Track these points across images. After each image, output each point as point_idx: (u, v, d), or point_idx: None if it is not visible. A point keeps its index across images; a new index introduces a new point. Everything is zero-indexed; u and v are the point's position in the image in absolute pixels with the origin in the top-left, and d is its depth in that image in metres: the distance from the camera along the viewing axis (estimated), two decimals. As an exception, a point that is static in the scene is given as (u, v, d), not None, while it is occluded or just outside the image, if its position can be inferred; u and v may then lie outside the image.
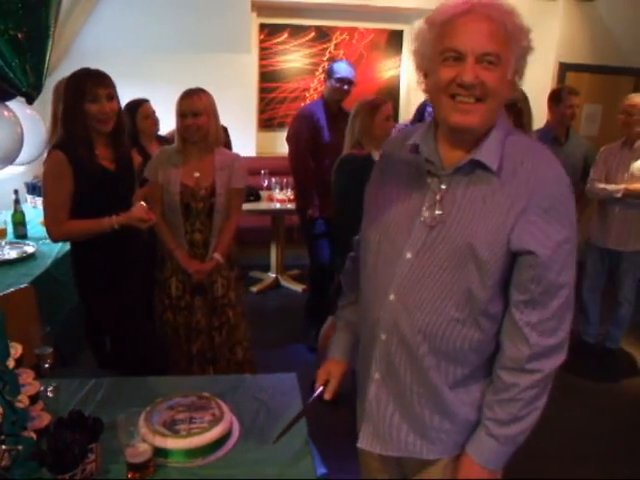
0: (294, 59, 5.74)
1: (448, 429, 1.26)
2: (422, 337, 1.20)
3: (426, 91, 1.19)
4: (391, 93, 5.88)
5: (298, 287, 4.79)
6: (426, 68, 1.17)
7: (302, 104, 5.18)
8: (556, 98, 3.71)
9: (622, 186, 3.47)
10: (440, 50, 1.10)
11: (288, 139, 3.81)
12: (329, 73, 3.70)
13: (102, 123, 2.23)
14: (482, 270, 1.13)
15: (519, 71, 1.14)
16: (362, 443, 1.33)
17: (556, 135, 3.69)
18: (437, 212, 1.16)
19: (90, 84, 2.19)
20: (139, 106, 3.30)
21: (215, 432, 1.42)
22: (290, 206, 4.37)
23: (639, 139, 3.46)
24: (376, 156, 2.74)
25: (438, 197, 1.17)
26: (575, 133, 3.86)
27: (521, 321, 1.15)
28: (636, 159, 3.46)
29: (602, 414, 3.24)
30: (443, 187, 1.17)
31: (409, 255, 1.19)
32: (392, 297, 1.21)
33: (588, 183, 3.63)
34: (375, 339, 1.27)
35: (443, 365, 1.22)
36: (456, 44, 1.08)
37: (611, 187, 3.52)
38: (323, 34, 5.71)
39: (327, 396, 1.43)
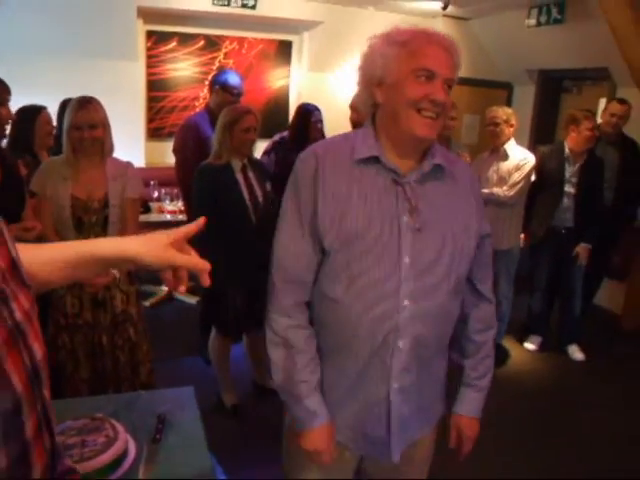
0: (183, 67, 5.65)
1: (440, 403, 1.50)
2: (434, 334, 1.33)
3: (382, 102, 1.28)
4: (280, 102, 5.97)
5: (192, 299, 4.68)
6: (390, 81, 1.24)
7: (192, 113, 5.11)
8: None
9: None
10: (413, 68, 1.20)
11: (174, 151, 3.75)
12: (216, 82, 3.67)
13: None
14: (465, 258, 1.32)
15: None
16: (396, 458, 1.39)
17: (439, 144, 3.87)
18: (418, 216, 1.26)
19: None
20: (39, 113, 3.08)
21: (109, 454, 1.36)
22: (181, 217, 4.28)
23: (503, 146, 3.74)
24: (235, 165, 2.77)
25: (414, 202, 1.26)
26: (456, 142, 4.09)
27: (483, 290, 1.42)
28: (502, 163, 3.74)
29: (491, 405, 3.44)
30: (414, 192, 1.27)
31: (407, 259, 1.25)
32: (406, 302, 1.26)
33: None
34: (389, 349, 1.29)
35: (441, 353, 1.41)
36: (431, 65, 1.20)
37: None
38: (212, 43, 5.68)
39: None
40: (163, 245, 0.90)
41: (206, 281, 0.91)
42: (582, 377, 3.89)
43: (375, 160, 1.27)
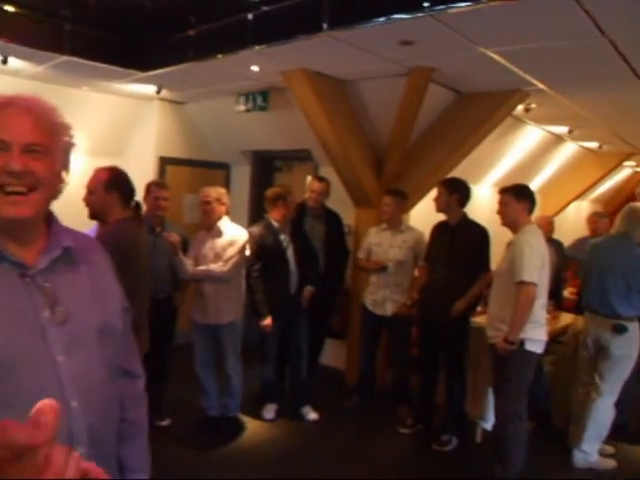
0: None
1: None
2: (106, 428, 1.19)
3: None
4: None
5: None
6: None
7: None
8: (146, 191, 3.92)
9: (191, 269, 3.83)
10: None
11: None
12: None
13: None
14: (115, 340, 1.22)
15: (66, 165, 1.18)
16: None
17: (153, 225, 3.84)
18: (60, 308, 1.12)
19: None
20: None
21: None
22: None
23: (217, 224, 3.87)
24: None
25: (51, 294, 1.12)
26: (172, 222, 4.11)
27: (132, 368, 1.39)
28: (217, 240, 3.86)
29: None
30: (49, 282, 1.13)
31: (61, 358, 1.09)
32: (75, 404, 1.10)
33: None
34: None
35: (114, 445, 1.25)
36: (2, 135, 1.07)
37: (191, 269, 3.84)
38: None
39: None
40: None
41: None
42: (317, 435, 4.09)
43: None
